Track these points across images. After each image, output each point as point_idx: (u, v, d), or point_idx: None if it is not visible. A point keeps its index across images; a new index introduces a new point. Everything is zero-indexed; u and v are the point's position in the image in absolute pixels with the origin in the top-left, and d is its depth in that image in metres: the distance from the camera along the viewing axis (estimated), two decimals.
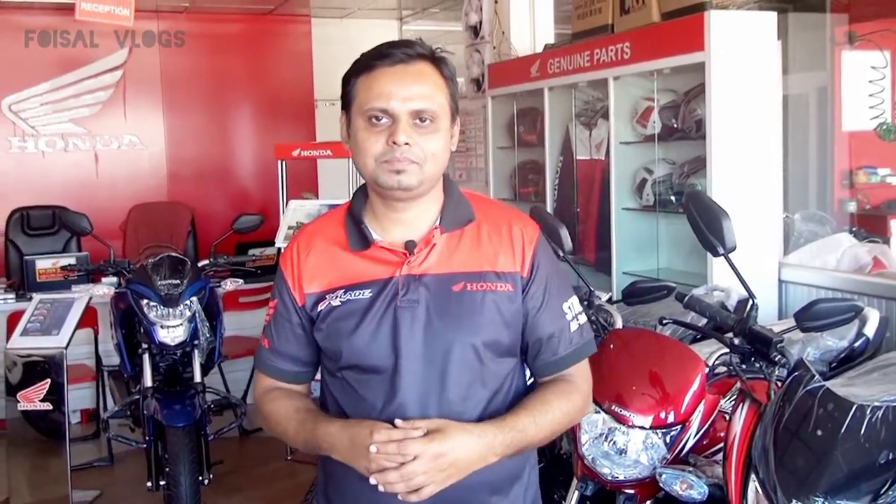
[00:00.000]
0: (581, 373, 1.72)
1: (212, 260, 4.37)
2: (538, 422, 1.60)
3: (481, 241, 1.67)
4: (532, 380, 1.76)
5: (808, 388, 1.92)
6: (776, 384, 2.11)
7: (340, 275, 1.65)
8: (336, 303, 1.63)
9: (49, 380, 4.36)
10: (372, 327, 1.60)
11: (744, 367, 2.28)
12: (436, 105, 1.59)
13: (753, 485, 1.90)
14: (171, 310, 3.93)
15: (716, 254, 2.24)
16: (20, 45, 6.99)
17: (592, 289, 3.01)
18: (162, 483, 3.80)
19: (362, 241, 1.66)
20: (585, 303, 2.93)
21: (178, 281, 4.00)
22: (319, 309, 1.65)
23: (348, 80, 1.64)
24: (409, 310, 1.60)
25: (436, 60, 1.63)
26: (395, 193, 1.60)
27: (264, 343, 1.78)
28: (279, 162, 5.11)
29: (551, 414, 1.62)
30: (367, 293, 1.62)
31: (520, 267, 1.66)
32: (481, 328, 1.61)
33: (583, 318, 1.74)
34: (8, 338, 4.68)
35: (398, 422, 1.53)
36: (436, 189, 1.68)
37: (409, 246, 1.64)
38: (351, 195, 1.77)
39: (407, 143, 1.55)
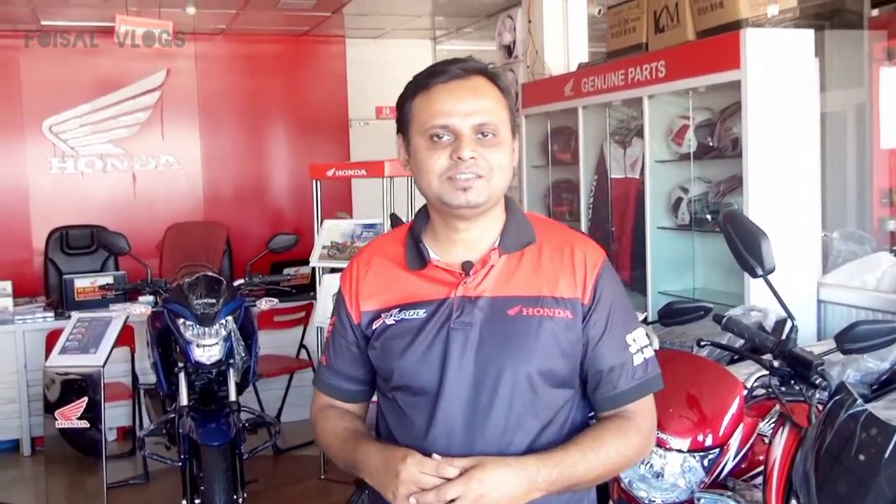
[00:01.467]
0: (644, 410, 1.63)
1: (247, 279, 4.40)
2: (589, 459, 1.53)
3: (541, 265, 1.62)
4: (593, 414, 1.69)
5: (850, 411, 1.88)
6: (817, 407, 2.07)
7: (397, 293, 1.63)
8: (390, 321, 1.61)
9: (86, 398, 4.42)
10: (423, 348, 1.57)
11: (783, 389, 2.25)
12: (497, 118, 1.57)
13: None
14: (206, 329, 3.95)
15: (754, 275, 2.21)
16: (61, 67, 7.11)
17: None
18: (197, 501, 3.81)
19: (420, 260, 1.63)
20: None
21: (213, 300, 4.03)
22: (374, 327, 1.64)
23: (404, 102, 1.62)
24: (461, 332, 1.56)
25: (491, 74, 1.61)
26: (461, 212, 1.58)
27: (322, 360, 1.78)
28: (314, 182, 5.14)
29: (605, 452, 1.55)
30: (422, 313, 1.60)
31: (581, 293, 1.60)
32: (535, 355, 1.56)
33: (649, 352, 1.65)
34: (47, 356, 4.75)
35: (435, 456, 1.49)
36: (497, 209, 1.64)
37: (466, 266, 1.61)
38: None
39: (473, 158, 1.53)
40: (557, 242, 1.65)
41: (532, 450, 1.54)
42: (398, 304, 1.62)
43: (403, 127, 1.63)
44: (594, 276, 1.61)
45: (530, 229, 1.65)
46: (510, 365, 1.55)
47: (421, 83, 1.59)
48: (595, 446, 1.54)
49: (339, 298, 1.72)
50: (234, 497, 3.71)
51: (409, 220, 1.76)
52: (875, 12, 5.57)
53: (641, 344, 1.64)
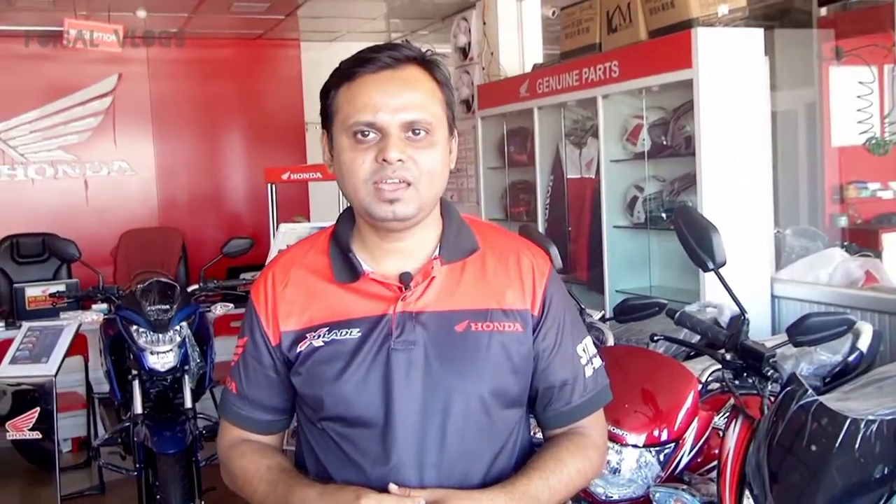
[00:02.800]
0: (596, 424, 1.53)
1: (202, 284, 4.34)
2: (552, 484, 1.41)
3: (486, 274, 1.47)
4: (536, 432, 1.59)
5: (801, 402, 1.89)
6: (769, 399, 2.09)
7: (324, 311, 1.44)
8: (318, 343, 1.42)
9: (38, 408, 4.32)
10: (361, 373, 1.39)
11: (737, 382, 2.26)
12: (430, 115, 1.39)
13: (748, 502, 1.88)
14: (160, 335, 3.89)
15: (706, 269, 2.23)
16: (9, 73, 6.98)
17: (583, 306, 2.99)
18: None
19: (350, 272, 1.45)
20: None
21: (167, 306, 3.97)
22: (298, 350, 1.44)
23: (328, 92, 1.44)
24: (404, 353, 1.39)
25: (427, 63, 1.43)
26: (389, 224, 1.41)
27: (231, 387, 1.55)
28: (269, 185, 5.10)
29: (566, 474, 1.43)
30: (356, 332, 1.41)
31: (530, 304, 1.47)
32: (488, 375, 1.42)
33: (598, 362, 1.55)
34: None
35: (392, 487, 1.34)
36: (433, 214, 1.48)
37: (405, 279, 1.43)
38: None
39: (400, 160, 1.36)
40: (501, 249, 1.51)
41: (486, 479, 1.42)
42: (326, 322, 1.43)
43: (326, 122, 1.45)
44: (543, 284, 1.49)
45: (471, 236, 1.51)
46: (462, 387, 1.40)
47: (346, 72, 1.41)
48: (556, 469, 1.43)
49: (250, 317, 1.51)
50: None
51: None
52: (823, 11, 5.66)
53: (591, 354, 1.54)
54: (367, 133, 1.38)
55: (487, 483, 1.41)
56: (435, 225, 1.50)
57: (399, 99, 1.38)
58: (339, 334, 1.42)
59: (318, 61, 7.93)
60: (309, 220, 6.26)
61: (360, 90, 1.39)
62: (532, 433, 1.58)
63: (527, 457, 1.51)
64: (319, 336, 1.43)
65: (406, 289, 1.43)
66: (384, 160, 1.36)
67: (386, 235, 1.45)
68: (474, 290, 1.45)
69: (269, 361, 1.49)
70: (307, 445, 1.51)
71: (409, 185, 1.38)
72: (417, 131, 1.38)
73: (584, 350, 1.53)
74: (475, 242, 1.50)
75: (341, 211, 1.58)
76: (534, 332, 1.47)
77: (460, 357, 1.41)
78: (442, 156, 1.42)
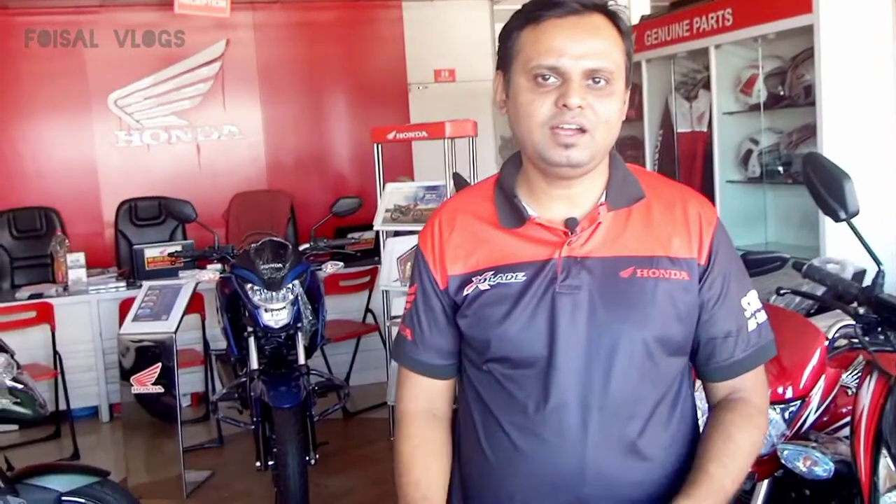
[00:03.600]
0: (757, 385, 1.52)
1: (312, 244, 4.41)
2: (730, 470, 1.42)
3: (653, 222, 1.46)
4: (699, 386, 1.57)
5: None
6: None
7: (490, 255, 1.46)
8: (484, 286, 1.44)
9: (160, 364, 4.51)
10: (526, 315, 1.41)
11: (868, 338, 2.17)
12: (612, 64, 1.38)
13: (885, 460, 1.80)
14: (274, 293, 3.98)
15: (837, 219, 2.13)
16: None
17: None
18: (270, 463, 3.86)
19: (516, 217, 1.46)
20: None
21: (280, 265, 4.05)
22: (465, 293, 1.46)
23: (509, 33, 1.44)
24: (569, 297, 1.40)
25: (611, 13, 1.41)
26: (562, 171, 1.41)
27: (406, 333, 1.58)
28: (375, 146, 5.12)
29: (741, 456, 1.44)
30: (521, 276, 1.43)
31: (697, 252, 1.45)
32: (652, 321, 1.42)
33: (762, 317, 1.52)
34: (120, 324, 4.85)
35: None
36: (604, 163, 1.48)
37: (571, 224, 1.44)
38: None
39: (580, 107, 1.35)
40: (668, 198, 1.50)
41: (650, 423, 1.44)
42: (492, 266, 1.45)
43: (504, 62, 1.45)
44: (710, 234, 1.47)
45: (637, 184, 1.50)
46: (627, 332, 1.41)
47: (531, 14, 1.40)
48: (730, 451, 1.43)
49: (418, 263, 1.54)
50: (307, 458, 3.74)
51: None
52: None
53: (755, 308, 1.51)
54: (548, 77, 1.37)
55: (648, 428, 1.43)
56: (602, 172, 1.49)
57: (583, 45, 1.37)
58: (504, 278, 1.44)
59: (419, 21, 7.91)
60: (413, 179, 6.27)
61: (545, 33, 1.38)
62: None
63: (690, 409, 1.53)
64: (485, 279, 1.45)
65: (572, 234, 1.43)
66: (564, 105, 1.35)
67: (554, 181, 1.45)
68: (640, 237, 1.45)
69: (438, 306, 1.52)
70: (472, 391, 1.52)
71: (585, 132, 1.37)
72: (598, 79, 1.37)
73: (748, 303, 1.50)
74: (641, 190, 1.49)
75: (501, 161, 1.59)
76: (700, 281, 1.46)
77: (626, 302, 1.41)
78: (619, 105, 1.42)
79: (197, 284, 4.73)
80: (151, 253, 5.80)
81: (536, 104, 1.38)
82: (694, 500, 1.37)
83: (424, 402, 1.58)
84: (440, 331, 1.54)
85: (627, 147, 5.72)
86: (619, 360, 1.40)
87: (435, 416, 1.58)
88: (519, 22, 1.42)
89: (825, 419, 2.38)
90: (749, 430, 1.47)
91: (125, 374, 4.62)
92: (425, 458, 1.55)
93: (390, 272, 4.79)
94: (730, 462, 1.42)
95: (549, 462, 1.42)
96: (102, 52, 7.13)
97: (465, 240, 1.49)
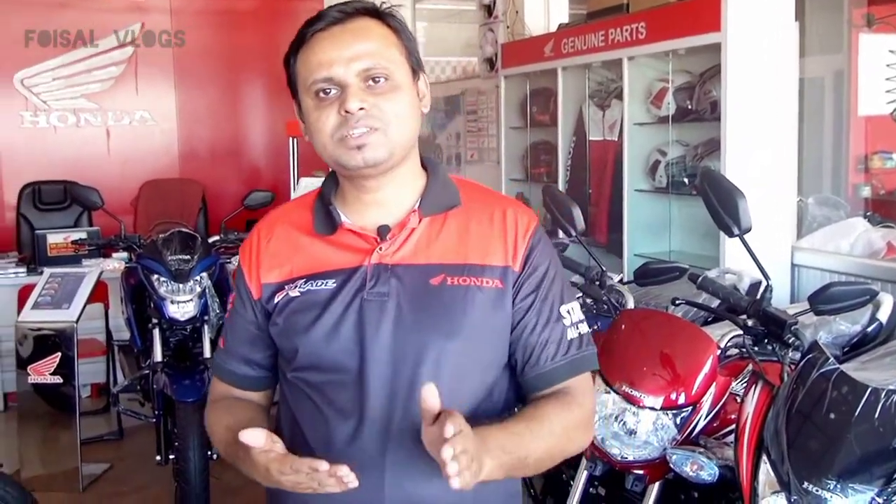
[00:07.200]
0: (581, 387, 1.46)
1: (222, 236, 4.37)
2: (533, 429, 1.35)
3: (468, 230, 1.45)
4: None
5: (822, 370, 1.90)
6: (789, 367, 2.10)
7: (303, 263, 1.45)
8: (294, 293, 1.43)
9: (60, 353, 4.39)
10: (332, 322, 1.39)
11: (756, 348, 2.27)
12: (385, 60, 1.38)
13: (765, 466, 1.89)
14: (181, 285, 3.93)
15: (731, 234, 2.22)
16: (31, 18, 6.95)
17: (604, 268, 2.99)
18: (171, 457, 3.82)
19: (329, 224, 1.46)
20: (597, 283, 2.91)
21: (188, 256, 4.00)
22: (276, 301, 1.45)
23: (287, 63, 1.44)
24: (376, 303, 1.39)
25: (376, 13, 1.42)
26: (362, 172, 1.40)
27: (220, 343, 1.59)
28: (290, 139, 5.09)
29: (548, 424, 1.37)
30: (332, 283, 1.41)
31: (512, 260, 1.43)
32: (462, 330, 1.39)
33: (584, 328, 1.49)
34: (19, 311, 4.71)
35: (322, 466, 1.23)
36: (415, 167, 1.48)
37: (382, 231, 1.43)
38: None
39: (362, 109, 1.35)
40: (486, 206, 1.49)
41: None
42: (304, 274, 1.44)
43: (294, 91, 1.46)
44: (526, 240, 1.45)
45: (455, 192, 1.49)
46: (433, 341, 1.38)
47: (299, 36, 1.41)
48: (538, 417, 1.38)
49: (238, 274, 1.53)
50: (209, 453, 3.70)
51: None
52: None
53: (576, 318, 1.49)
54: (328, 90, 1.38)
55: None
56: (417, 178, 1.49)
57: (351, 49, 1.37)
58: (314, 285, 1.43)
59: None
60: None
61: (313, 49, 1.39)
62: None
63: None
64: (296, 286, 1.44)
65: (382, 241, 1.43)
66: (346, 111, 1.35)
67: (362, 187, 1.45)
68: (454, 245, 1.44)
69: (251, 316, 1.51)
70: (284, 404, 1.51)
71: (375, 130, 1.37)
72: (377, 79, 1.37)
73: (568, 312, 1.48)
74: (458, 198, 1.48)
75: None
76: (514, 288, 1.44)
77: (434, 310, 1.39)
78: (408, 99, 1.41)
79: (101, 273, 4.63)
80: (54, 239, 5.64)
81: (322, 118, 1.38)
82: (485, 441, 1.26)
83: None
84: (250, 340, 1.52)
85: (541, 152, 5.80)
86: (424, 371, 1.37)
87: (246, 402, 1.56)
88: (293, 48, 1.43)
89: (715, 424, 2.48)
90: (564, 410, 1.41)
91: (22, 363, 4.49)
92: (229, 408, 1.52)
93: None
94: (535, 424, 1.36)
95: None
96: (10, 29, 6.88)
97: (282, 248, 1.49)
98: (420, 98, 1.45)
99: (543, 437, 1.36)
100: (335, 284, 1.41)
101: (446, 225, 1.45)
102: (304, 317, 1.41)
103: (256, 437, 1.27)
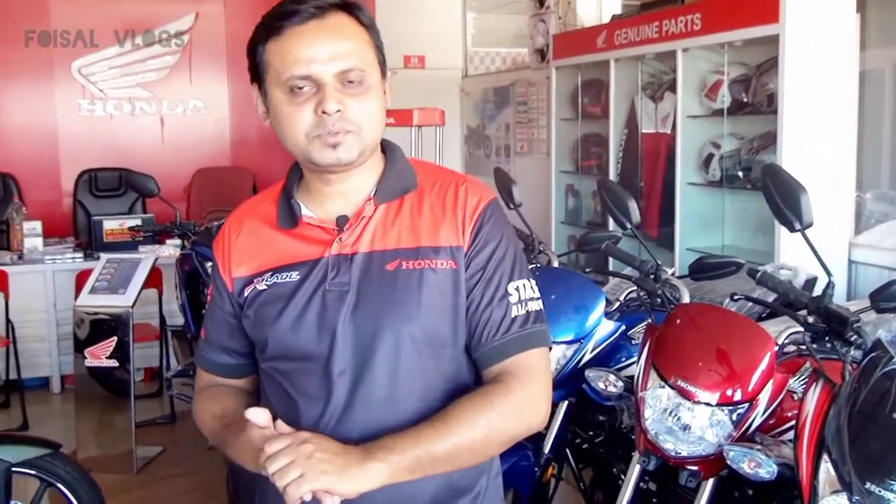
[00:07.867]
0: (526, 365, 1.43)
1: None
2: (437, 427, 1.34)
3: (422, 212, 1.46)
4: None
5: (885, 369, 1.86)
6: (851, 365, 2.06)
7: (269, 256, 1.48)
8: (262, 286, 1.46)
9: (115, 337, 4.48)
10: (296, 313, 1.43)
11: (815, 346, 2.24)
12: (362, 61, 1.39)
13: (826, 465, 1.86)
14: None
15: (792, 229, 2.19)
16: (90, 9, 7.07)
17: (660, 263, 2.97)
18: None
19: (291, 218, 1.48)
20: (652, 276, 2.89)
21: None
22: (246, 294, 1.49)
23: (255, 47, 1.44)
24: (338, 293, 1.42)
25: (350, 9, 1.42)
26: (332, 168, 1.43)
27: (201, 334, 1.63)
28: None
29: (463, 416, 1.36)
30: (295, 275, 1.44)
31: (462, 239, 1.44)
32: (418, 313, 1.40)
33: (535, 306, 1.47)
34: (76, 295, 4.81)
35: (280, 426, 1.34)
36: (375, 156, 1.49)
37: (341, 221, 1.46)
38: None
39: (339, 111, 1.37)
40: (442, 186, 1.49)
41: (419, 420, 1.37)
42: (271, 267, 1.47)
43: (256, 76, 1.46)
44: (474, 219, 1.45)
45: (412, 175, 1.50)
46: (390, 326, 1.40)
47: (272, 27, 1.40)
48: (449, 418, 1.36)
49: (213, 266, 1.57)
50: None
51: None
52: None
53: (526, 296, 1.47)
54: (303, 87, 1.38)
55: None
56: (375, 166, 1.50)
57: (330, 49, 1.38)
58: (280, 278, 1.46)
59: (390, 6, 7.86)
60: None
61: (290, 43, 1.39)
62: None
63: None
64: (263, 280, 1.47)
65: (341, 231, 1.45)
66: (324, 112, 1.37)
67: (326, 179, 1.47)
68: (409, 229, 1.45)
69: (228, 307, 1.54)
70: (262, 392, 1.55)
71: (349, 132, 1.39)
72: (353, 80, 1.39)
73: (517, 289, 1.46)
74: (414, 181, 1.50)
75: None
76: (466, 267, 1.45)
77: (390, 296, 1.41)
78: (378, 100, 1.43)
79: (156, 259, 4.71)
80: (110, 225, 5.75)
81: (297, 115, 1.39)
82: (385, 449, 1.30)
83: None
84: (229, 331, 1.56)
85: (592, 144, 5.77)
86: (382, 355, 1.40)
87: (231, 389, 1.60)
88: (262, 35, 1.43)
89: (771, 422, 2.45)
90: (483, 409, 1.38)
91: (79, 346, 4.58)
92: (215, 396, 1.56)
93: None
94: (443, 428, 1.35)
95: None
96: (68, 19, 7.01)
97: (250, 242, 1.52)
98: (385, 95, 1.47)
99: (454, 432, 1.35)
100: (298, 276, 1.45)
101: (402, 210, 1.47)
102: (271, 308, 1.45)
103: (259, 416, 1.34)
